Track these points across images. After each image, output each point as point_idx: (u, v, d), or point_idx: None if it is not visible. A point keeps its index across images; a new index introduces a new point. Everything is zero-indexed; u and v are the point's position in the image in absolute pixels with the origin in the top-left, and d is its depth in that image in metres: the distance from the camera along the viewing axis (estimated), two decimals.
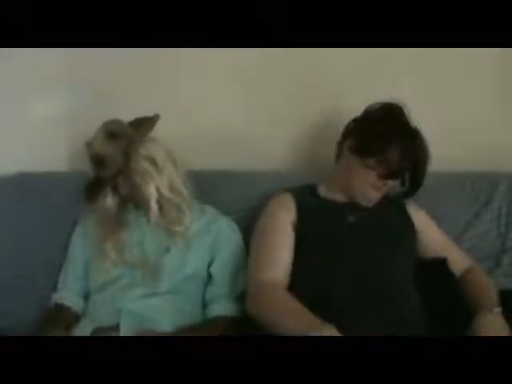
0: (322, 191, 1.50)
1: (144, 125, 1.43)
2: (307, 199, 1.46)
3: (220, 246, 1.45)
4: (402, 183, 1.46)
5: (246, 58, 1.70)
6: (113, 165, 1.37)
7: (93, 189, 1.41)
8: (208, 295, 1.44)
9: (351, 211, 1.43)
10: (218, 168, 1.67)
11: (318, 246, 1.37)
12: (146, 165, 1.39)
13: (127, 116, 1.48)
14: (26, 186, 1.66)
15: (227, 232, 1.48)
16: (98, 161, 1.39)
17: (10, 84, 1.72)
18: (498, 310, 1.27)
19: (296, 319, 1.20)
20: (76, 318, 1.43)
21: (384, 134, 1.38)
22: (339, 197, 1.47)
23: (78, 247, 1.50)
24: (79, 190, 1.45)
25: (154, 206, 1.39)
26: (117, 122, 1.43)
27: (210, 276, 1.45)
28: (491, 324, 1.22)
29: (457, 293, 1.38)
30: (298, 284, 1.33)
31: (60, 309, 1.45)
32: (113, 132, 1.40)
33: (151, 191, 1.39)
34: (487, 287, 1.38)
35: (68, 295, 1.47)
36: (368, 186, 1.41)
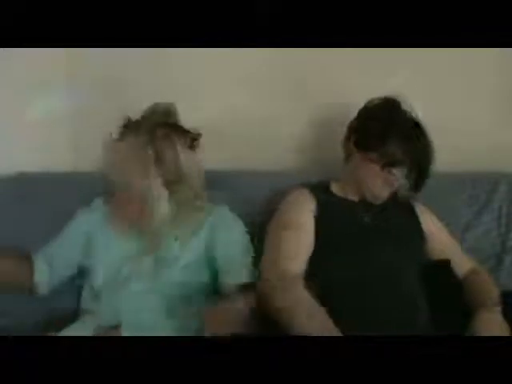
0: (335, 189, 1.50)
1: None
2: (322, 196, 1.47)
3: (220, 236, 1.44)
4: (408, 176, 1.44)
5: (248, 57, 1.70)
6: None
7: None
8: (222, 273, 1.41)
9: (364, 210, 1.44)
10: (217, 168, 1.67)
11: (331, 242, 1.37)
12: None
13: (127, 115, 1.48)
14: (26, 186, 1.66)
15: (226, 217, 1.47)
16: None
17: (10, 84, 1.72)
18: (499, 309, 1.27)
19: (309, 319, 1.20)
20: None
21: (381, 126, 1.41)
22: (351, 196, 1.48)
23: (77, 231, 1.49)
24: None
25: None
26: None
27: (216, 261, 1.43)
28: (491, 321, 1.22)
29: (460, 294, 1.38)
30: (316, 278, 1.31)
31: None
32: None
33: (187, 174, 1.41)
34: (489, 288, 1.39)
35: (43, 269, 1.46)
36: (374, 181, 1.42)
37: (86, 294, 1.47)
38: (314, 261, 1.36)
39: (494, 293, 1.36)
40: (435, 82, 1.79)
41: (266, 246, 1.41)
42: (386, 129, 1.40)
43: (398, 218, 1.46)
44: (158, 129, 1.42)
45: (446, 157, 1.75)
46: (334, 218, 1.41)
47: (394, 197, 1.49)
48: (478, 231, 1.65)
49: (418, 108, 1.80)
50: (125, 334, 1.29)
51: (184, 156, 1.41)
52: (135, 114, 1.47)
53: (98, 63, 1.71)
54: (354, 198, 1.47)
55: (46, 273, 1.46)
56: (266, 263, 1.36)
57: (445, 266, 1.43)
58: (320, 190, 1.48)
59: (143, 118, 1.46)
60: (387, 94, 1.46)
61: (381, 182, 1.42)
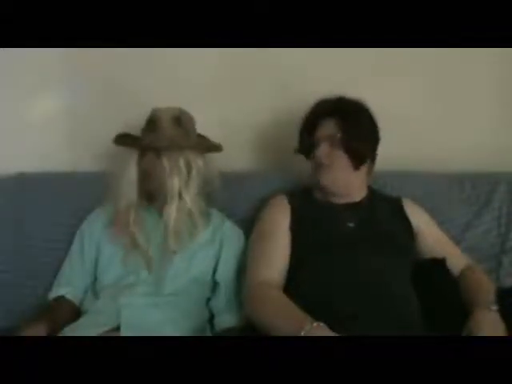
0: (318, 194, 1.49)
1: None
2: (303, 202, 1.47)
3: (225, 253, 1.47)
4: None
5: (244, 58, 1.71)
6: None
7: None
8: (215, 306, 1.46)
9: (347, 214, 1.43)
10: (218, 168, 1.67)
11: (313, 249, 1.37)
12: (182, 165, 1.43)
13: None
14: (26, 186, 1.66)
15: (231, 238, 1.49)
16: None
17: (10, 84, 1.72)
18: (494, 308, 1.26)
19: (287, 318, 1.21)
20: (76, 313, 1.43)
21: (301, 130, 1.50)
22: (334, 199, 1.47)
23: (88, 244, 1.50)
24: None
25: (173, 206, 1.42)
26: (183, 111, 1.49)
27: (215, 283, 1.47)
28: (487, 322, 1.22)
29: (456, 293, 1.38)
30: (296, 286, 1.33)
31: (61, 301, 1.45)
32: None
33: (175, 191, 1.42)
34: (485, 285, 1.38)
35: (70, 290, 1.46)
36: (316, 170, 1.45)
37: (88, 294, 1.47)
38: (291, 269, 1.37)
39: (490, 290, 1.35)
40: (435, 82, 1.79)
41: (247, 255, 1.43)
42: (303, 133, 1.51)
43: (386, 219, 1.45)
44: (149, 147, 1.43)
45: (446, 156, 1.76)
46: (311, 224, 1.41)
47: (380, 196, 1.50)
48: (477, 231, 1.65)
49: (418, 109, 1.81)
50: (124, 334, 1.30)
51: (178, 173, 1.42)
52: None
53: (98, 63, 1.71)
54: (338, 200, 1.46)
55: (78, 297, 1.47)
56: (247, 274, 1.38)
57: (440, 263, 1.43)
58: (301, 197, 1.48)
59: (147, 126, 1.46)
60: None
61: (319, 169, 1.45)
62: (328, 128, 1.43)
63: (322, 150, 1.42)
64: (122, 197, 1.44)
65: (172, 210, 1.41)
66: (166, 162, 1.42)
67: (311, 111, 1.49)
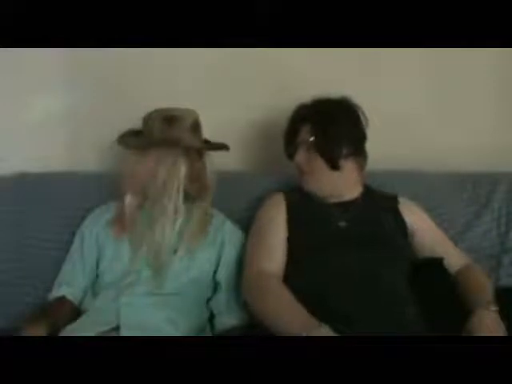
0: (314, 193, 1.49)
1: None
2: (299, 201, 1.47)
3: (225, 254, 1.47)
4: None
5: (244, 58, 1.71)
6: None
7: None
8: (216, 306, 1.46)
9: (340, 213, 1.43)
10: (218, 168, 1.67)
11: (307, 248, 1.37)
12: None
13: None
14: (26, 186, 1.66)
15: (232, 239, 1.49)
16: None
17: (10, 84, 1.72)
18: (494, 308, 1.26)
19: (289, 316, 1.21)
20: (76, 313, 1.43)
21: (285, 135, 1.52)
22: (328, 198, 1.47)
23: (88, 244, 1.49)
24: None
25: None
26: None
27: (216, 283, 1.47)
28: (487, 322, 1.22)
29: (454, 293, 1.38)
30: (291, 286, 1.32)
31: (62, 302, 1.45)
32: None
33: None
34: (483, 285, 1.38)
35: (70, 290, 1.46)
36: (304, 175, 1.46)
37: (88, 294, 1.47)
38: (291, 266, 1.37)
39: (489, 290, 1.35)
40: (435, 82, 1.79)
41: (245, 250, 1.44)
42: (287, 138, 1.53)
43: (380, 216, 1.45)
44: (159, 145, 1.42)
45: (445, 156, 1.76)
46: (305, 222, 1.42)
47: (376, 194, 1.50)
48: (477, 231, 1.65)
49: (418, 109, 1.81)
50: (124, 334, 1.30)
51: (183, 172, 1.41)
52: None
53: (98, 64, 1.71)
54: (332, 200, 1.46)
55: (78, 297, 1.46)
56: (245, 265, 1.39)
57: (439, 263, 1.43)
58: (297, 195, 1.48)
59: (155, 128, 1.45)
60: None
61: (304, 173, 1.47)
62: (305, 133, 1.46)
63: (300, 156, 1.46)
64: (168, 197, 1.40)
65: (197, 210, 1.44)
66: (207, 162, 1.47)
67: (291, 117, 1.52)
